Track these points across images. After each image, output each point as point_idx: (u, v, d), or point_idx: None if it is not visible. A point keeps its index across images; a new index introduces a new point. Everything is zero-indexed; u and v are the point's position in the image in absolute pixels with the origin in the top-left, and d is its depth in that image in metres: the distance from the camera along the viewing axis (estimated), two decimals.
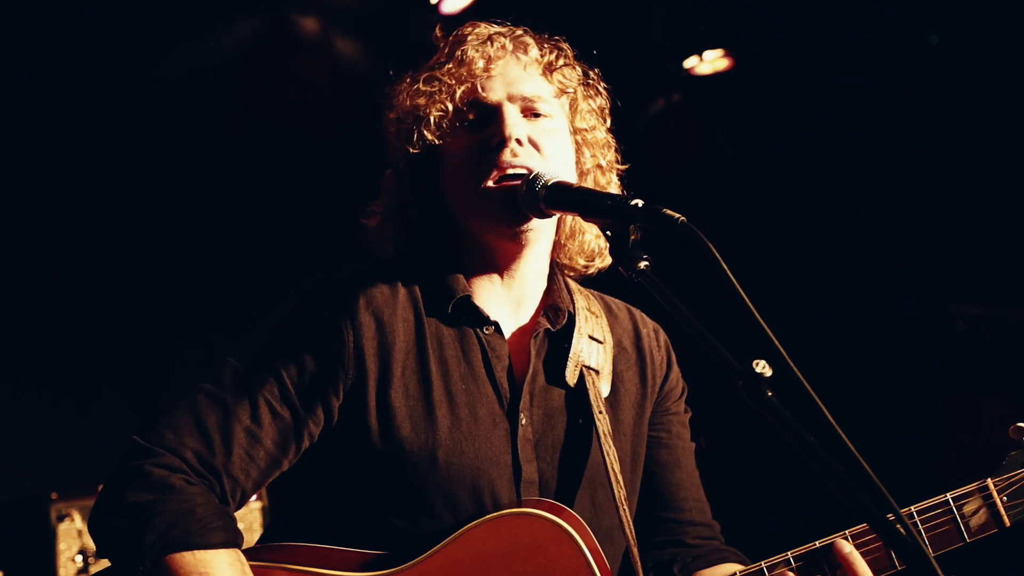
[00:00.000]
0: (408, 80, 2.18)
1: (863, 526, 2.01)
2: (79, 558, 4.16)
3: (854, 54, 6.47)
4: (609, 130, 2.30)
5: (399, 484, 2.03)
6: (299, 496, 2.19)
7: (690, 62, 6.46)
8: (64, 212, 4.89)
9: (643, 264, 1.77)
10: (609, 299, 2.42)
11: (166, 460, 1.93)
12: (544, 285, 2.25)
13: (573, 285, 2.33)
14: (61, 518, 4.16)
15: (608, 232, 1.86)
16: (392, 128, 2.19)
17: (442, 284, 2.13)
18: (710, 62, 6.39)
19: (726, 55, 6.38)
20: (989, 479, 2.03)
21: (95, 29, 4.81)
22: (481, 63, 2.11)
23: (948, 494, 2.00)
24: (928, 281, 6.37)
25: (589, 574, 2.02)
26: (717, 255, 1.63)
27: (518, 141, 2.09)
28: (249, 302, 5.15)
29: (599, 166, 2.27)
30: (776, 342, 1.58)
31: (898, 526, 1.53)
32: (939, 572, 1.41)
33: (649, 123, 6.89)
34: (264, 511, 4.62)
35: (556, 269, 2.29)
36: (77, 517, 4.18)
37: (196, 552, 1.86)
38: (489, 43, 2.13)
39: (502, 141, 2.08)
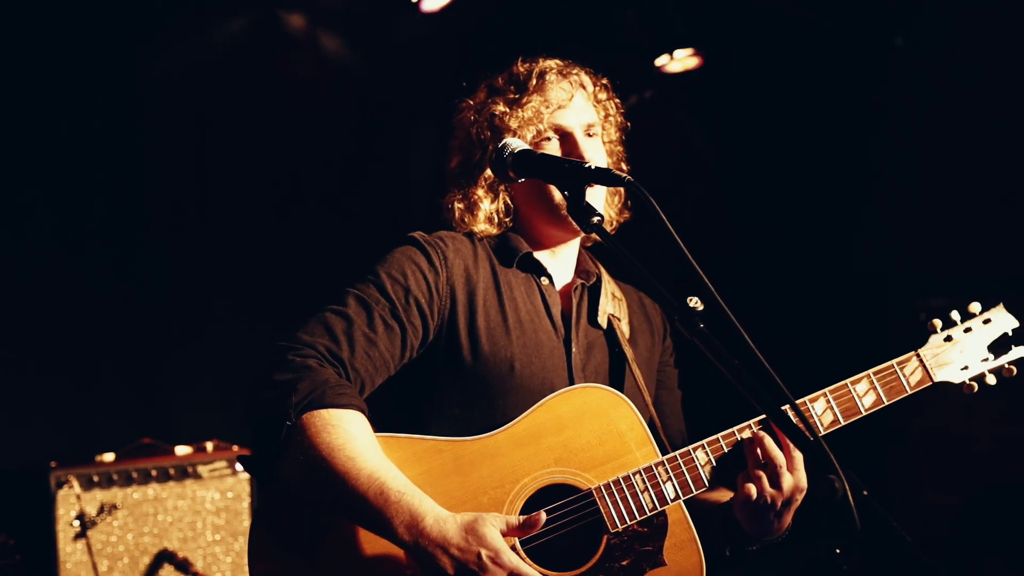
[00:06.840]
0: (491, 98, 2.73)
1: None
2: (76, 523, 4.36)
3: (822, 54, 6.65)
4: (621, 140, 2.90)
5: (484, 388, 2.55)
6: (397, 401, 2.65)
7: (661, 60, 6.53)
8: (65, 195, 5.09)
9: (595, 219, 2.15)
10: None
11: (304, 352, 2.38)
12: (576, 256, 2.82)
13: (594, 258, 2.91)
14: (60, 485, 4.35)
15: (566, 192, 2.15)
16: (475, 136, 2.73)
17: (510, 246, 2.71)
18: (680, 60, 6.48)
19: (696, 53, 6.53)
20: (919, 350, 2.67)
21: (97, 23, 5.00)
22: (564, 95, 2.68)
23: (893, 361, 2.65)
24: (893, 275, 6.55)
25: (643, 431, 2.52)
26: (657, 207, 1.93)
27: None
28: (240, 284, 5.41)
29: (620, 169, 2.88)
30: (707, 281, 1.85)
31: (807, 434, 1.80)
32: (833, 459, 1.67)
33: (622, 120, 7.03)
34: None
35: (581, 245, 2.88)
36: (75, 483, 4.37)
37: (331, 409, 2.29)
38: (565, 79, 2.71)
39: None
